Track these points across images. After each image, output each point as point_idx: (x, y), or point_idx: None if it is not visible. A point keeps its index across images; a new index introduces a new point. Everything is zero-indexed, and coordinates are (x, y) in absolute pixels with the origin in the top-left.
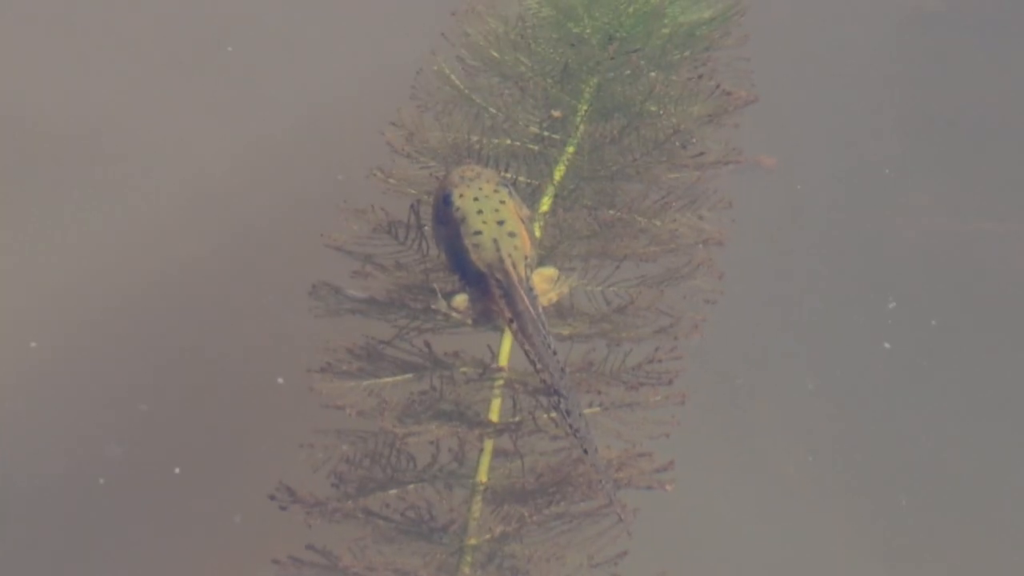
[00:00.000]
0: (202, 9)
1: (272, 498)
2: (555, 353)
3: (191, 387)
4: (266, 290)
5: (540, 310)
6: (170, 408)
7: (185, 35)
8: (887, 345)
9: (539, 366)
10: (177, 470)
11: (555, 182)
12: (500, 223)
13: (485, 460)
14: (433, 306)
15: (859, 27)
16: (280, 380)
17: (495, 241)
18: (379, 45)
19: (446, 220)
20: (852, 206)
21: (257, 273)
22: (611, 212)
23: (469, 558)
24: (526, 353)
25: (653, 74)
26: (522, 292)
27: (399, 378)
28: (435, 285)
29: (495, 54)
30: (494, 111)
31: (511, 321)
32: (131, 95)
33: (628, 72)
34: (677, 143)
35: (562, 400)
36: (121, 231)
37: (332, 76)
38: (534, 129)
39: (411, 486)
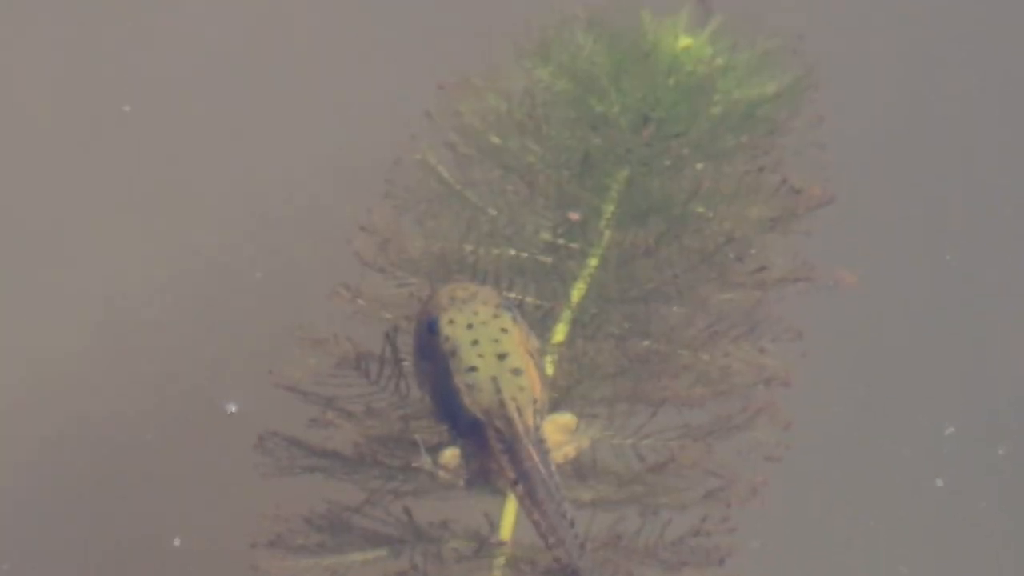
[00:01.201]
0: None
1: None
2: (572, 524)
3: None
4: (203, 439)
5: (553, 469)
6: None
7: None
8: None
9: (552, 540)
10: None
11: (573, 304)
12: (501, 357)
13: None
14: (415, 463)
15: (963, 102)
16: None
17: (494, 380)
18: (346, 126)
19: (431, 353)
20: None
21: (190, 419)
22: (645, 343)
23: None
24: (535, 524)
25: (700, 166)
26: (529, 446)
27: (370, 555)
28: (417, 437)
29: (495, 139)
30: (494, 212)
31: (515, 483)
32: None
33: (668, 163)
34: (730, 255)
35: None
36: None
37: (286, 167)
38: (546, 236)
39: None
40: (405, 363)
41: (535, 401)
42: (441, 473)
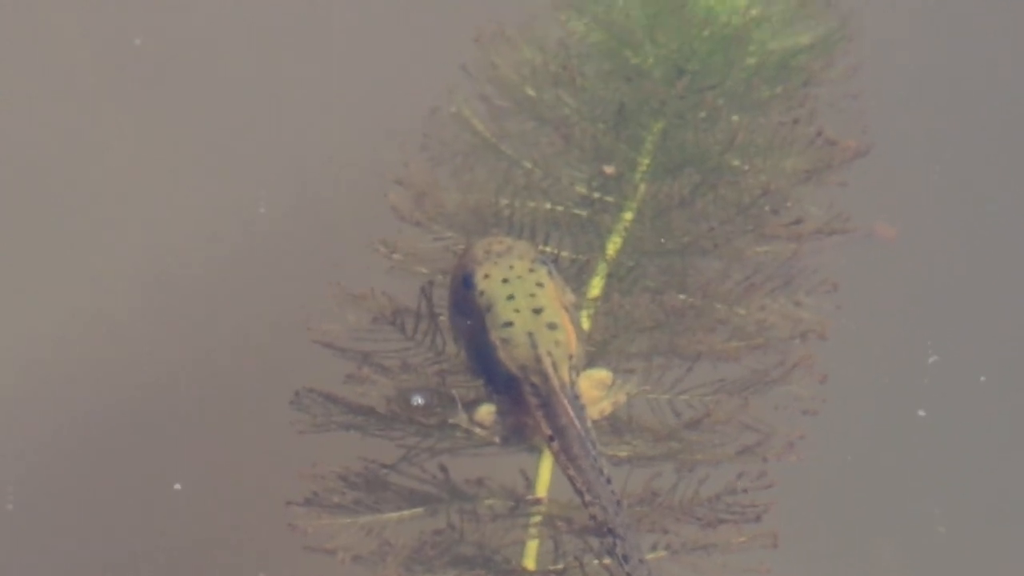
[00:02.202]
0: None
1: None
2: (608, 481)
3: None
4: (238, 398)
5: (589, 424)
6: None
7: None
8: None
9: (588, 497)
10: None
11: (608, 258)
12: (537, 312)
13: None
14: (451, 420)
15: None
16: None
17: (530, 335)
18: (382, 81)
19: (467, 308)
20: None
21: (227, 374)
22: (680, 297)
23: None
24: (571, 480)
25: (735, 117)
26: (565, 401)
27: (407, 513)
28: (453, 392)
29: (530, 91)
30: (529, 165)
31: (551, 439)
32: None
33: (702, 115)
34: (766, 207)
35: (618, 542)
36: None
37: (324, 124)
38: (581, 189)
39: None
40: (441, 318)
41: (571, 356)
42: (477, 430)
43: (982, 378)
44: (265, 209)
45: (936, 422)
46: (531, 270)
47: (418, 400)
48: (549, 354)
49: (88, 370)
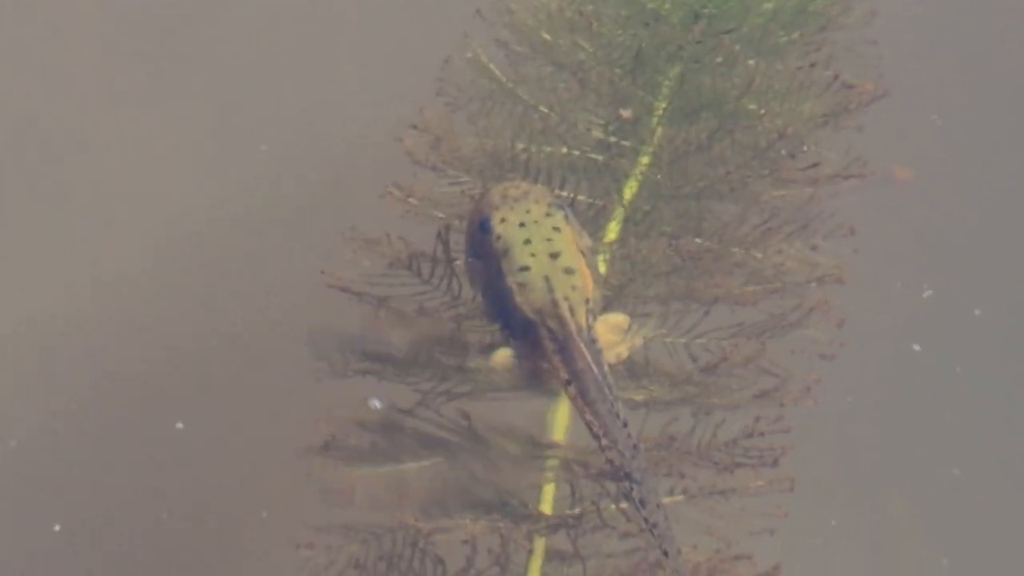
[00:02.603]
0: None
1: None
2: (625, 425)
3: (155, 465)
4: (261, 342)
5: (606, 369)
6: (122, 512)
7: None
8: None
9: (605, 442)
10: None
11: (625, 202)
12: (553, 256)
13: (536, 565)
14: (467, 364)
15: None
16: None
17: (547, 280)
18: (397, 25)
19: (484, 252)
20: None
21: (247, 321)
22: (697, 241)
23: None
24: (588, 425)
25: (752, 62)
26: (582, 346)
27: (425, 463)
28: (469, 337)
29: (546, 36)
30: (545, 110)
31: (568, 383)
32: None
33: (719, 59)
34: (783, 151)
35: (635, 486)
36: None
37: (336, 69)
38: (598, 134)
39: None
40: (457, 262)
41: (588, 300)
42: (493, 374)
43: (977, 311)
44: (267, 147)
45: (932, 357)
46: (548, 214)
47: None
48: (566, 298)
49: (105, 326)
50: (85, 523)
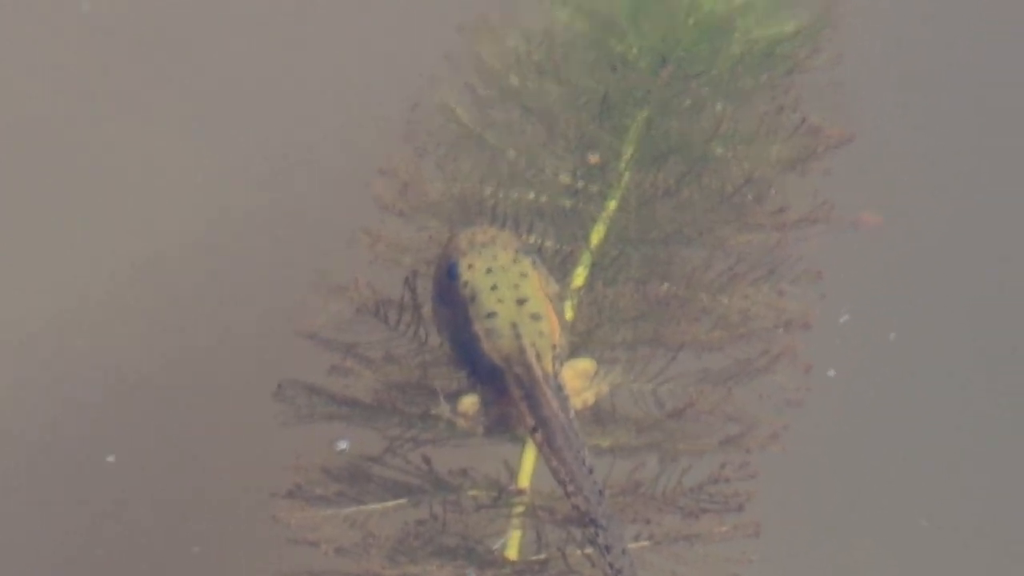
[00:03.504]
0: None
1: None
2: (591, 471)
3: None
4: (225, 389)
5: (572, 415)
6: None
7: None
8: None
9: (571, 488)
10: None
11: (592, 248)
12: (520, 302)
13: None
14: (434, 411)
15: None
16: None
17: (514, 326)
18: (366, 70)
19: (451, 299)
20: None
21: (212, 369)
22: (664, 286)
23: None
24: (554, 471)
25: (720, 106)
26: (549, 392)
27: (390, 504)
28: (436, 384)
29: (514, 81)
30: (513, 155)
31: (534, 430)
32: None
33: (687, 104)
34: (750, 196)
35: (600, 532)
36: None
37: (304, 113)
38: (565, 179)
39: None
40: (424, 309)
41: (554, 347)
42: (460, 421)
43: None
44: (242, 200)
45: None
46: (515, 260)
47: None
48: (533, 345)
49: (71, 358)
50: None
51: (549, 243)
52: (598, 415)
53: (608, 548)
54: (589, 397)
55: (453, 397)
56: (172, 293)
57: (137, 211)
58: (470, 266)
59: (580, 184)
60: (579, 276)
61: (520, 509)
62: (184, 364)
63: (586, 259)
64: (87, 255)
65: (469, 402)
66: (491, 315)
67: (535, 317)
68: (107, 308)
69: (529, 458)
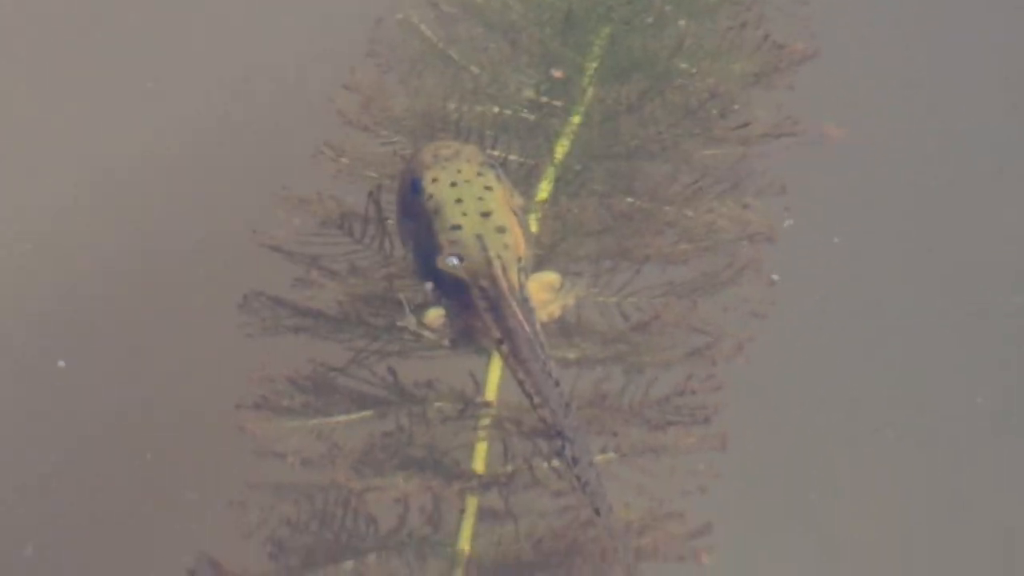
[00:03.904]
0: None
1: (191, 574)
2: (558, 383)
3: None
4: (186, 301)
5: (538, 327)
6: (58, 466)
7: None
8: None
9: (537, 400)
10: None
11: (556, 161)
12: (485, 215)
13: (468, 523)
14: (399, 323)
15: None
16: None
17: (479, 238)
18: None
19: (415, 212)
20: (944, 191)
21: (173, 280)
22: (628, 200)
23: None
24: (520, 383)
25: (683, 22)
26: (514, 304)
27: (355, 416)
28: (401, 296)
29: None
30: (477, 71)
31: (500, 342)
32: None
33: (650, 19)
34: (714, 110)
35: (567, 444)
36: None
37: (266, 28)
38: (529, 94)
39: (372, 556)
40: (389, 221)
41: (519, 259)
42: (425, 332)
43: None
44: (207, 114)
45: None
46: (479, 174)
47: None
48: (498, 257)
49: (29, 271)
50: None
51: (513, 157)
52: (564, 328)
53: (575, 460)
54: (555, 310)
55: (419, 309)
56: (131, 205)
57: (94, 121)
58: (434, 180)
59: (544, 99)
60: (543, 190)
61: (486, 421)
62: (147, 276)
63: (550, 173)
64: (45, 166)
65: (434, 314)
66: (456, 228)
67: (500, 230)
68: (66, 220)
69: (495, 371)
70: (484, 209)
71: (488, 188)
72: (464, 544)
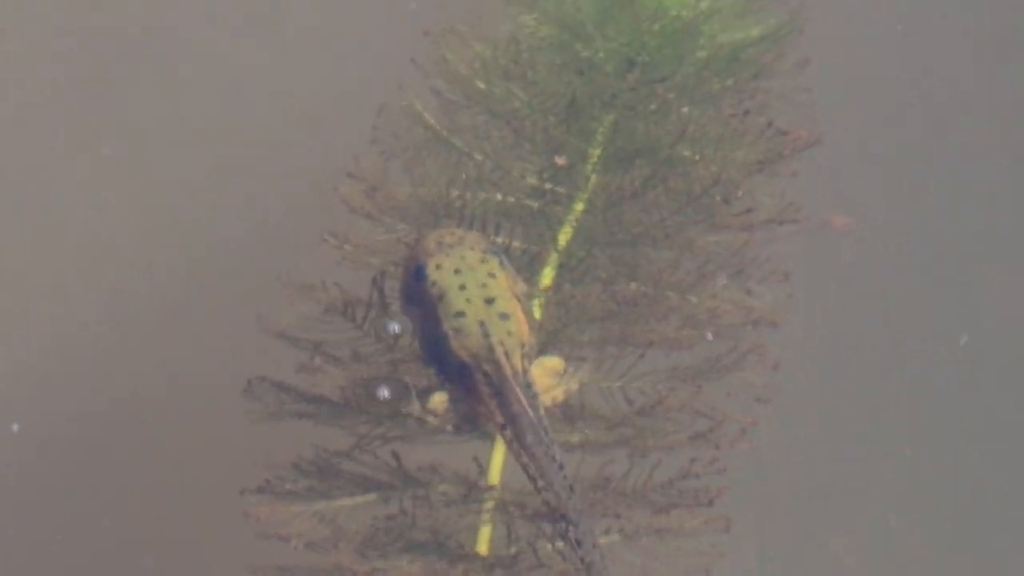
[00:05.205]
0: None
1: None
2: (561, 467)
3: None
4: (191, 393)
5: (541, 412)
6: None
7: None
8: None
9: (541, 484)
10: None
11: (560, 248)
12: (488, 302)
13: None
14: (403, 408)
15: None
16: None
17: (482, 325)
18: (333, 74)
19: (419, 298)
20: (949, 282)
21: (179, 360)
22: (632, 286)
23: None
24: (524, 467)
25: (686, 110)
26: (518, 389)
27: (360, 500)
28: (406, 380)
29: (481, 85)
30: (480, 158)
31: (504, 427)
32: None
33: (653, 107)
34: (717, 197)
35: (571, 527)
36: None
37: (273, 114)
38: (532, 181)
39: None
40: (393, 308)
41: (523, 345)
42: (429, 418)
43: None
44: (212, 202)
45: None
46: (482, 260)
47: (384, 393)
48: (501, 343)
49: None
50: None
51: (517, 244)
52: (567, 412)
53: (579, 542)
54: (558, 394)
55: (423, 394)
56: (135, 291)
57: (98, 209)
58: (438, 266)
59: (547, 186)
60: (547, 276)
61: (490, 504)
62: (155, 365)
63: (553, 260)
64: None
65: (438, 399)
66: (459, 315)
67: (503, 316)
68: (71, 308)
69: (499, 455)
70: (488, 296)
71: (491, 275)
72: None
